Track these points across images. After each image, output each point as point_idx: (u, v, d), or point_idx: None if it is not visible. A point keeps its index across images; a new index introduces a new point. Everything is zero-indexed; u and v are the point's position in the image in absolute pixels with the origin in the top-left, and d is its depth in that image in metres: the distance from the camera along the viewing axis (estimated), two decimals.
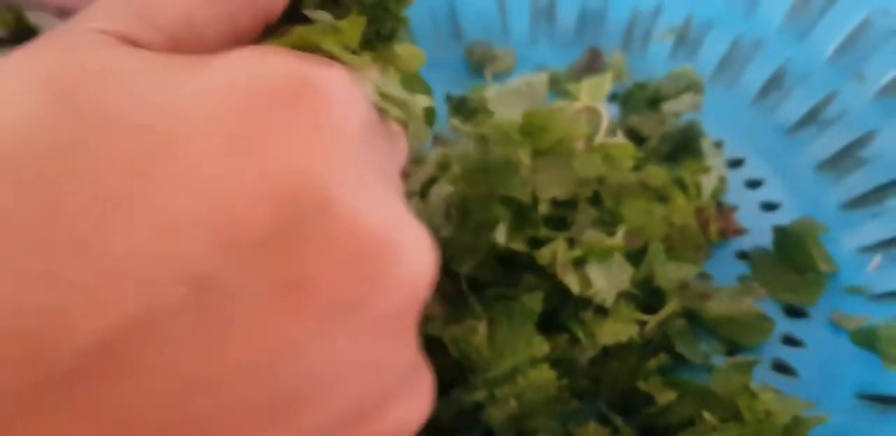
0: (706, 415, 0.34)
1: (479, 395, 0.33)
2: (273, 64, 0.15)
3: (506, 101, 0.44)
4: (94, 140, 0.13)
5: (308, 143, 0.15)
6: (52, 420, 0.12)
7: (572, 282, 0.35)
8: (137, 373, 0.12)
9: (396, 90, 0.19)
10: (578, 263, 0.35)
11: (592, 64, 0.52)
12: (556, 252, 0.35)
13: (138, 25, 0.17)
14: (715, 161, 0.44)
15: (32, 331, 0.12)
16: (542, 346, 0.33)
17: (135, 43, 0.17)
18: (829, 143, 0.45)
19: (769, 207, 0.45)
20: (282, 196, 0.14)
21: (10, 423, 0.12)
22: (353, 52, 0.20)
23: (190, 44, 0.18)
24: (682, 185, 0.41)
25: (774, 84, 0.48)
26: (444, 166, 0.40)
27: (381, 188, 0.16)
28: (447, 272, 0.36)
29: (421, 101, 0.20)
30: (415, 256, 0.16)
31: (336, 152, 0.15)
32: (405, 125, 0.20)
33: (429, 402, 0.18)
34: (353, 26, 0.19)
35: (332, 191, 0.14)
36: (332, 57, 0.19)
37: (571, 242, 0.36)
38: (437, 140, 0.46)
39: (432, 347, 0.30)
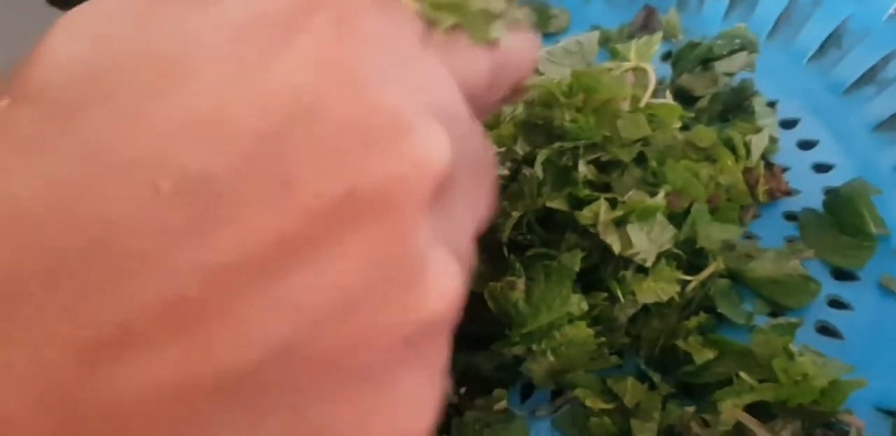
0: (743, 375, 0.34)
1: (519, 349, 0.34)
2: None
3: (556, 61, 0.44)
4: (120, 69, 0.15)
5: (309, 60, 0.15)
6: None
7: (614, 241, 0.35)
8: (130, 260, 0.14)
9: None
10: (620, 224, 0.36)
11: (647, 23, 0.51)
12: (598, 212, 0.36)
13: None
14: (767, 121, 0.43)
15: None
16: (580, 303, 0.34)
17: None
18: (886, 103, 0.44)
19: (821, 168, 0.45)
20: (275, 106, 0.14)
21: None
22: None
23: None
24: (730, 145, 0.41)
25: (833, 43, 0.47)
26: (491, 126, 0.41)
27: (398, 75, 0.16)
28: (489, 234, 0.37)
29: (477, 2, 0.19)
30: (429, 134, 0.16)
31: (354, 61, 0.15)
32: (464, 31, 0.19)
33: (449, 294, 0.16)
34: None
35: (349, 101, 0.15)
36: None
37: (614, 203, 0.36)
38: None
39: (474, 301, 0.31)
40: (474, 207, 0.20)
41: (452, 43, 0.20)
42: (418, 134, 0.15)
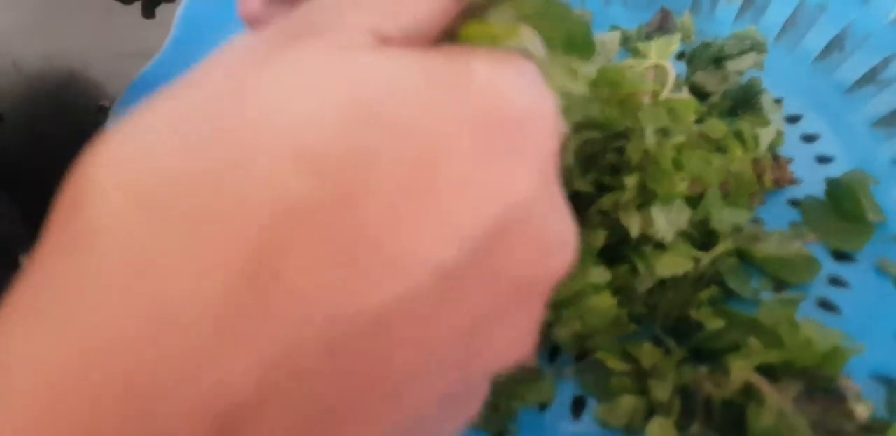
0: (752, 341, 0.38)
1: (548, 315, 0.38)
2: (511, 98, 0.18)
3: (573, 82, 0.47)
4: (382, 150, 0.16)
5: (525, 171, 0.18)
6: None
7: (633, 226, 0.39)
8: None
9: (563, 79, 0.22)
10: (641, 207, 0.40)
11: (663, 24, 0.55)
12: (618, 200, 0.39)
13: (386, 21, 0.18)
14: (773, 116, 0.47)
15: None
16: (604, 274, 0.38)
17: (385, 39, 0.18)
18: (885, 101, 0.48)
19: (823, 160, 0.48)
20: (496, 209, 0.17)
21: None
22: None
23: (417, 40, 0.19)
24: (740, 137, 0.44)
25: (836, 45, 0.51)
26: None
27: (562, 200, 0.20)
28: None
29: (580, 88, 0.22)
30: (572, 249, 0.20)
31: (543, 189, 0.18)
32: (567, 111, 0.22)
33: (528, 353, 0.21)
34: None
35: (534, 207, 0.18)
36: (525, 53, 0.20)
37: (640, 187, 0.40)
38: None
39: None
40: None
41: None
42: (572, 246, 0.20)
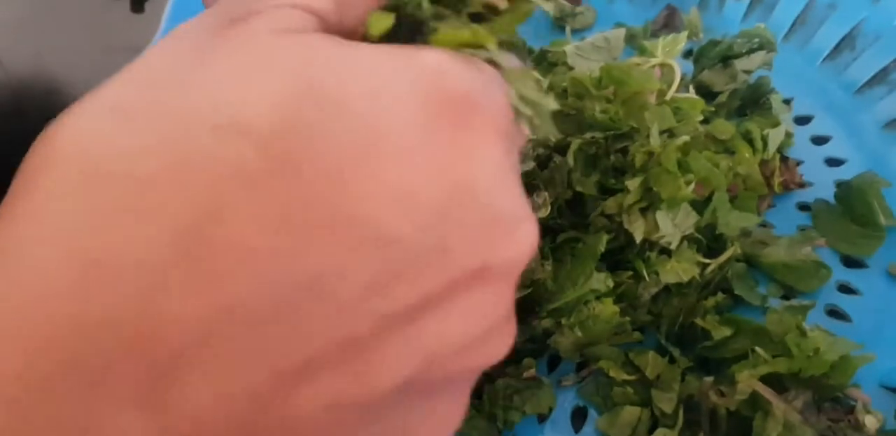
0: (759, 350, 0.36)
1: (547, 323, 0.37)
2: (456, 78, 0.18)
3: (584, 55, 0.46)
4: (324, 122, 0.16)
5: (473, 150, 0.18)
6: None
7: (637, 230, 0.38)
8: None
9: (532, 92, 0.22)
10: (645, 210, 0.38)
11: (669, 22, 0.54)
12: (623, 203, 0.38)
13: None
14: (783, 117, 0.46)
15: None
16: (606, 281, 0.36)
17: (319, 15, 0.19)
18: None
19: (833, 162, 0.47)
20: (446, 184, 0.17)
21: None
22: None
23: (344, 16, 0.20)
24: (748, 138, 0.43)
25: (846, 45, 0.49)
26: None
27: (515, 181, 0.20)
28: None
29: (550, 103, 0.22)
30: (529, 229, 0.19)
31: (490, 168, 0.18)
32: (534, 123, 0.22)
33: (510, 344, 0.21)
34: (510, 21, 0.22)
35: (487, 195, 0.18)
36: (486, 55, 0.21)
37: (646, 190, 0.38)
38: None
39: None
40: None
41: None
42: (529, 225, 0.19)
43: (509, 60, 0.21)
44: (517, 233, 0.19)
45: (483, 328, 0.19)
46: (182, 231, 0.15)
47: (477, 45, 0.20)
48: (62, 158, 0.16)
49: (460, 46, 0.20)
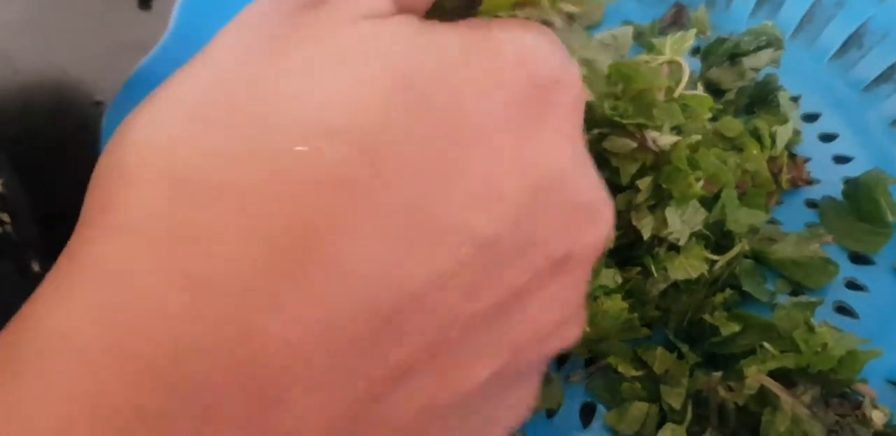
0: (767, 346, 0.36)
1: None
2: (538, 62, 0.18)
3: (591, 53, 0.46)
4: (418, 125, 0.16)
5: (556, 139, 0.18)
6: None
7: (645, 226, 0.38)
8: None
9: (586, 50, 0.22)
10: (653, 207, 0.38)
11: (677, 19, 0.54)
12: (631, 200, 0.38)
13: None
14: (791, 114, 0.46)
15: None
16: (615, 277, 0.37)
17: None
18: None
19: (841, 159, 0.47)
20: (533, 178, 0.17)
21: None
22: None
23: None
24: (756, 135, 0.43)
25: (854, 42, 0.49)
26: None
27: (591, 162, 0.20)
28: None
29: (605, 59, 0.22)
30: (608, 212, 0.20)
31: (572, 152, 0.18)
32: (590, 83, 0.22)
33: (583, 327, 0.21)
34: None
35: (572, 184, 0.18)
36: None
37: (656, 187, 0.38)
38: None
39: None
40: None
41: None
42: (608, 209, 0.20)
43: (559, 19, 0.21)
44: (598, 217, 0.19)
45: (563, 315, 0.19)
46: (286, 248, 0.15)
47: (530, 2, 0.20)
48: (145, 168, 0.15)
49: (513, 7, 0.20)
